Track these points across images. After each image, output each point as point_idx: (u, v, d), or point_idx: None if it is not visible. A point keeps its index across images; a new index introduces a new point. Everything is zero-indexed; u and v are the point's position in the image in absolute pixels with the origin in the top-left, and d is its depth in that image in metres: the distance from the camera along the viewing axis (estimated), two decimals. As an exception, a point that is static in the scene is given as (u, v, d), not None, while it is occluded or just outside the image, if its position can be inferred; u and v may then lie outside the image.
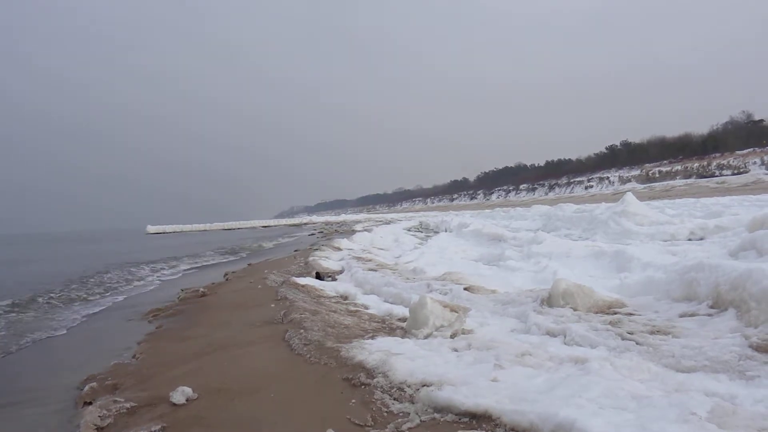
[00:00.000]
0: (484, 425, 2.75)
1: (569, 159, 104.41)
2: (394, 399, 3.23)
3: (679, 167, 69.54)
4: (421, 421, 2.92)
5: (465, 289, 6.70)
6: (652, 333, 4.08)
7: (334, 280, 9.66)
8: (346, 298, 7.49)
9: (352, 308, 6.58)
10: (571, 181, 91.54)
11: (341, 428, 2.89)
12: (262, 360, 4.45)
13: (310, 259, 13.17)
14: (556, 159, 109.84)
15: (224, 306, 7.66)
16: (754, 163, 58.77)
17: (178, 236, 57.58)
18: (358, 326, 5.38)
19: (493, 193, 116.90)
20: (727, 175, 57.91)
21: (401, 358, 3.80)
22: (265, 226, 78.04)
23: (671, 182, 63.52)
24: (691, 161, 69.65)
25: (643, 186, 64.60)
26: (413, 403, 3.13)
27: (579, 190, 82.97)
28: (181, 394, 3.53)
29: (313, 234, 39.20)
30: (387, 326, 5.37)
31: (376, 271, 9.84)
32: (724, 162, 63.60)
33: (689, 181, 61.39)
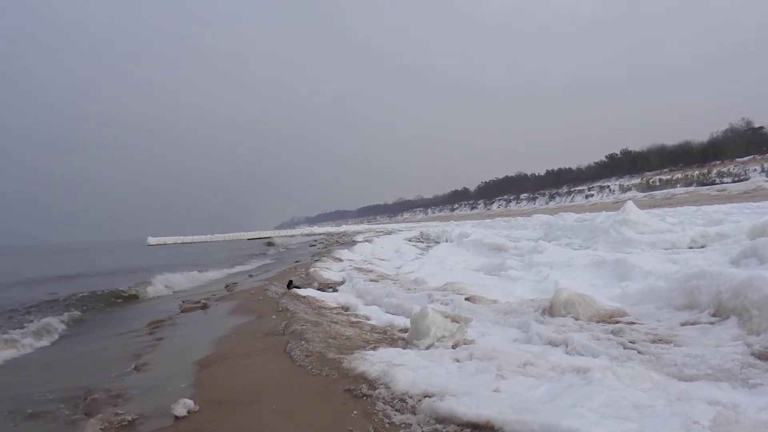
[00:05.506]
0: (486, 436, 2.74)
1: (569, 168, 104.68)
2: (396, 410, 3.22)
3: (679, 175, 69.61)
4: (423, 432, 2.91)
5: (466, 299, 6.70)
6: (653, 342, 4.08)
7: (335, 291, 9.65)
8: (347, 309, 7.48)
9: (354, 319, 6.57)
10: (572, 190, 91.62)
11: (343, 440, 2.88)
12: (263, 371, 4.44)
13: (311, 270, 13.16)
14: (556, 168, 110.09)
15: (225, 317, 7.65)
16: (755, 170, 58.81)
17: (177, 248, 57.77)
18: (360, 337, 5.37)
19: (493, 202, 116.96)
20: (727, 183, 57.94)
21: (403, 369, 3.79)
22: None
23: (672, 190, 63.54)
24: (692, 169, 69.73)
25: (643, 194, 64.58)
26: (415, 414, 3.12)
27: (579, 199, 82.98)
28: (182, 407, 3.52)
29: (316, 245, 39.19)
30: (388, 337, 5.37)
31: (377, 281, 9.83)
32: (725, 169, 63.69)
33: (690, 188, 61.41)
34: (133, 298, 11.83)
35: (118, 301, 11.58)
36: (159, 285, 13.43)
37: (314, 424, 3.17)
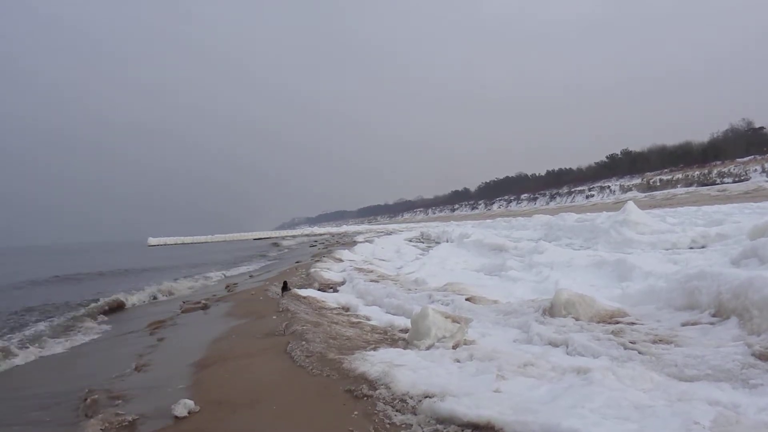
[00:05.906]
0: (486, 436, 2.74)
1: (570, 168, 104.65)
2: (397, 411, 3.22)
3: (680, 175, 69.53)
4: (423, 432, 2.91)
5: (467, 299, 6.70)
6: (654, 342, 4.08)
7: (336, 291, 9.64)
8: (347, 309, 7.48)
9: (354, 320, 6.57)
10: (572, 190, 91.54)
11: (343, 440, 2.88)
12: (263, 372, 4.45)
13: (312, 270, 13.17)
14: (557, 168, 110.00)
15: (226, 318, 7.65)
16: (755, 170, 58.75)
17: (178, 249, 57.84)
18: (360, 338, 5.37)
19: (494, 203, 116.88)
20: (727, 183, 57.89)
21: (403, 370, 3.79)
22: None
23: (672, 190, 63.45)
24: (692, 169, 69.68)
25: (644, 194, 64.50)
26: (416, 414, 3.12)
27: (580, 200, 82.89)
28: (182, 407, 3.53)
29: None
30: (389, 337, 5.37)
31: (377, 282, 9.84)
32: (725, 170, 63.64)
33: (690, 189, 61.32)
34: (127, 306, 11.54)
35: (116, 306, 11.47)
36: (152, 291, 12.83)
37: (315, 424, 3.17)
